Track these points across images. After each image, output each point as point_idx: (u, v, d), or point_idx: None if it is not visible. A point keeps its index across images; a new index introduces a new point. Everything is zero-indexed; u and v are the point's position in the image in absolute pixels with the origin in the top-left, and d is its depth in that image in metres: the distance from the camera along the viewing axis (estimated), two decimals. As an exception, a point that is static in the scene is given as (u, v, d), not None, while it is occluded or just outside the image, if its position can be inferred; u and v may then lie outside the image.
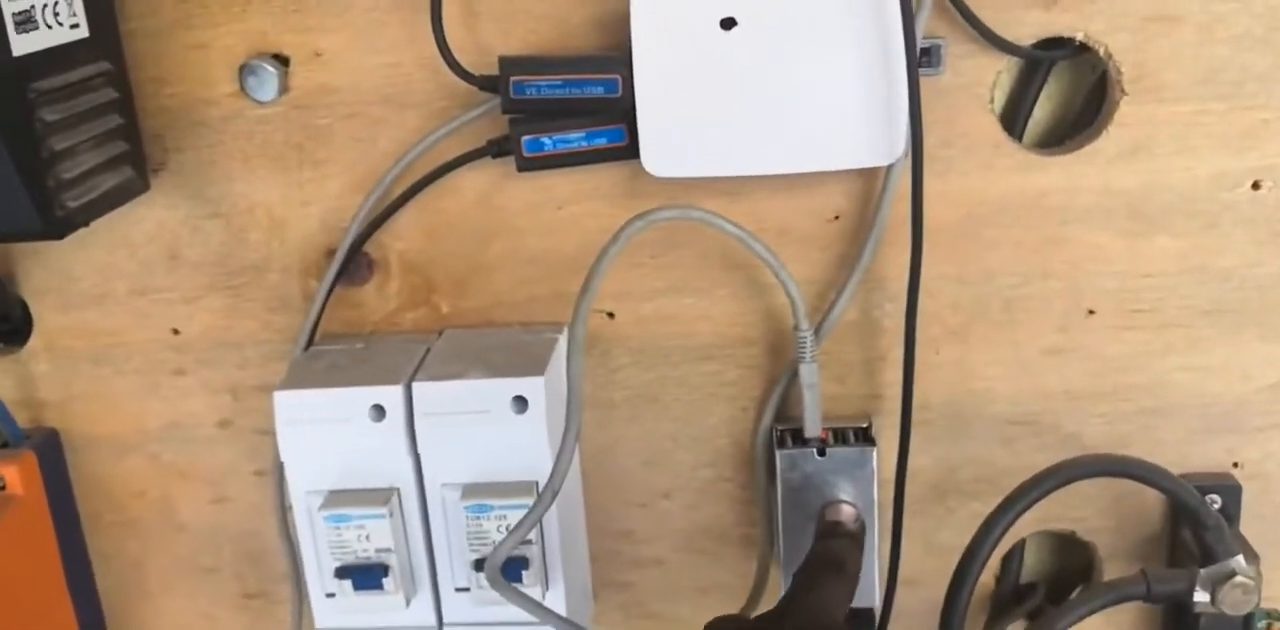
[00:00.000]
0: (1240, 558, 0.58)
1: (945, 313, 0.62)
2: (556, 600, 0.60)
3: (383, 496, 0.59)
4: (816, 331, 0.61)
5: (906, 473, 0.62)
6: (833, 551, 0.58)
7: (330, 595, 0.61)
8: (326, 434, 0.59)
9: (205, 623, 0.71)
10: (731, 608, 0.65)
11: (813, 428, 0.62)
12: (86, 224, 0.59)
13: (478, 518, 0.58)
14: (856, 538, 0.60)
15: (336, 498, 0.59)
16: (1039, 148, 0.61)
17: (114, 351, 0.66)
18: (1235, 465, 0.63)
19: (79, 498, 0.69)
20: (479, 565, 0.58)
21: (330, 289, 0.63)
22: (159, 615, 0.71)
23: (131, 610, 0.71)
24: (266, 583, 0.70)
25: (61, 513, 0.67)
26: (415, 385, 0.58)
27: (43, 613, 0.66)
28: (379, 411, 0.58)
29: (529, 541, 0.58)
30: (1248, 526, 0.63)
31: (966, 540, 0.57)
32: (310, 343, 0.64)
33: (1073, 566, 0.68)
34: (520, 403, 0.58)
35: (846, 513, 0.61)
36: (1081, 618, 0.59)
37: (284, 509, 0.66)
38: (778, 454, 0.62)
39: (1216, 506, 0.61)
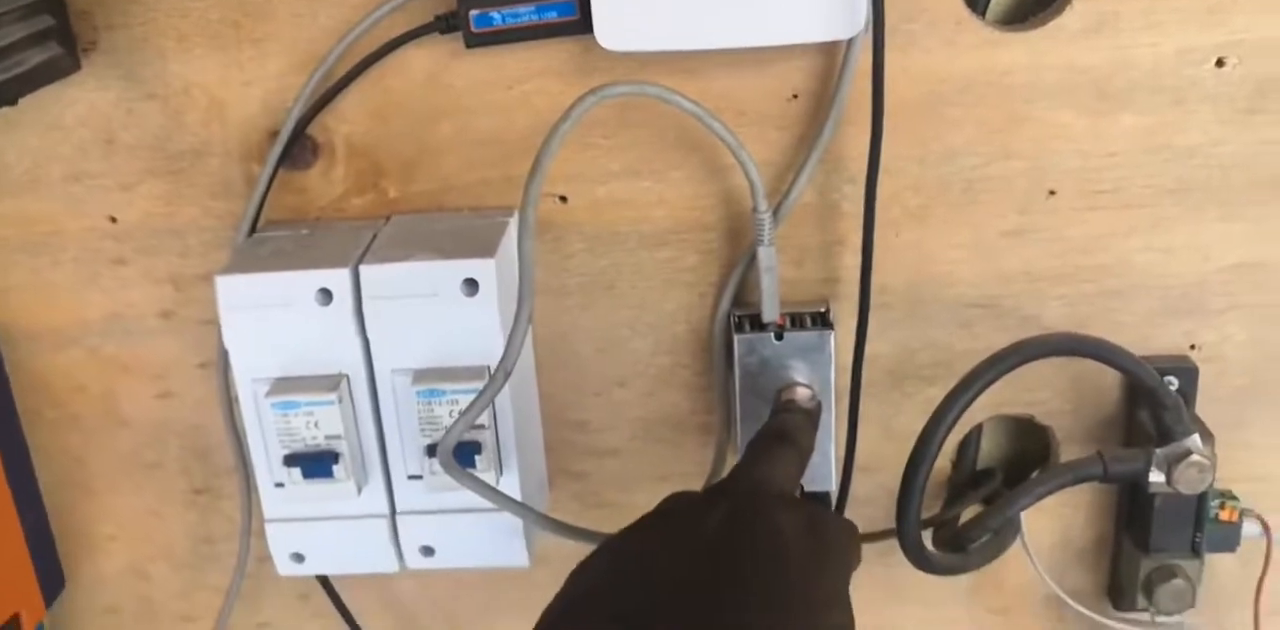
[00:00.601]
0: (1196, 437, 0.58)
1: (906, 194, 0.61)
2: (510, 486, 0.59)
3: (331, 383, 0.58)
4: (775, 214, 0.60)
5: (864, 357, 0.61)
6: (784, 425, 0.58)
7: (279, 485, 0.59)
8: (271, 320, 0.57)
9: (152, 519, 0.69)
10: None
11: (770, 312, 0.61)
12: (14, 102, 0.56)
13: (429, 403, 0.57)
14: (810, 414, 0.60)
15: (283, 385, 0.58)
16: (1002, 24, 0.60)
17: (50, 241, 0.64)
18: (1193, 348, 0.62)
19: (17, 393, 0.67)
20: (431, 451, 0.57)
21: (273, 173, 0.61)
22: (104, 512, 0.69)
23: (75, 508, 0.69)
24: (213, 478, 0.68)
25: None
26: (363, 268, 0.57)
27: (-16, 510, 0.64)
28: (326, 295, 0.57)
29: (482, 426, 0.57)
30: (1203, 409, 0.63)
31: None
32: (254, 229, 0.62)
33: (1030, 452, 0.68)
34: (471, 285, 0.56)
35: (801, 393, 0.60)
36: (1038, 498, 0.59)
37: (230, 402, 0.64)
38: (735, 339, 0.61)
39: (1174, 389, 0.61)
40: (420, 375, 0.57)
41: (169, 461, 0.68)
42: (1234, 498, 0.62)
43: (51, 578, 0.69)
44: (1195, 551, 0.62)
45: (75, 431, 0.67)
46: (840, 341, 0.61)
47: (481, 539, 0.61)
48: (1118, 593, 0.66)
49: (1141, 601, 0.63)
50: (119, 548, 0.70)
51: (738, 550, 0.47)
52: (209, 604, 0.70)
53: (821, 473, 0.62)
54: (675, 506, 0.51)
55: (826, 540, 0.50)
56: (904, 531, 0.57)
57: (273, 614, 0.71)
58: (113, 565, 0.70)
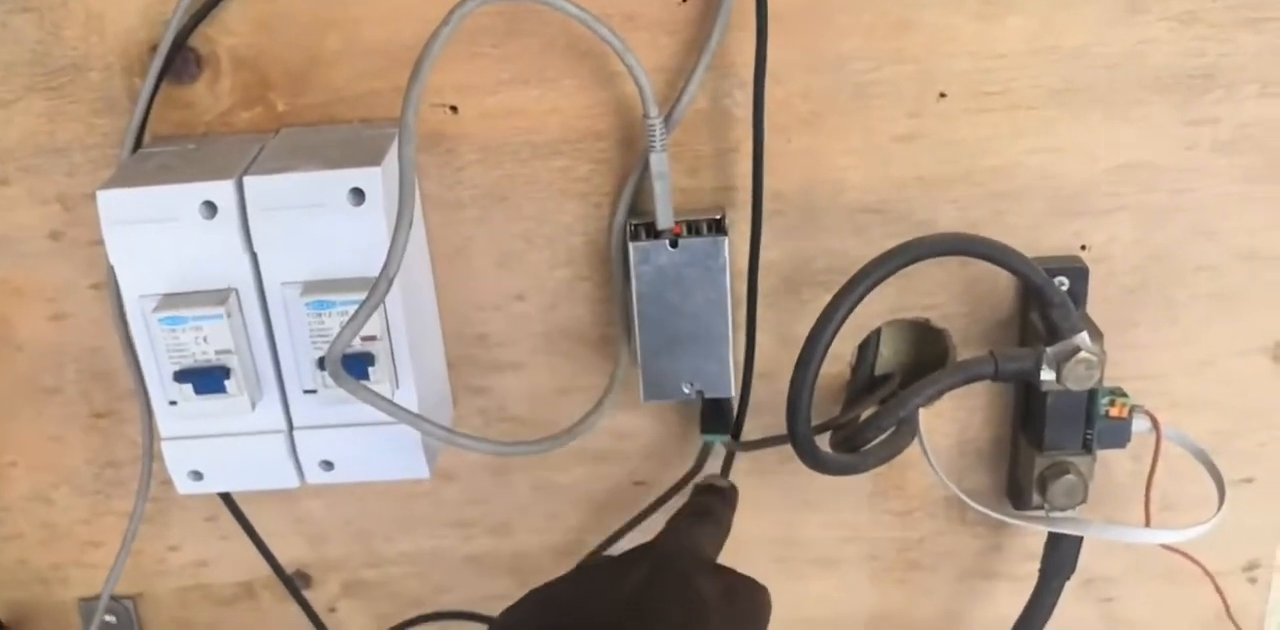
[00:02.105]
0: (1084, 335, 0.59)
1: (795, 100, 0.61)
2: (408, 399, 0.59)
3: (219, 297, 0.57)
4: (666, 120, 0.59)
5: (759, 264, 0.61)
6: (703, 503, 0.61)
7: (173, 403, 0.59)
8: (156, 234, 0.56)
9: (53, 445, 0.69)
10: (590, 406, 0.65)
11: (664, 219, 0.60)
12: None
13: (319, 315, 0.57)
14: (726, 495, 0.62)
15: (171, 300, 0.57)
16: (889, -75, 0.59)
17: (-71, 162, 0.63)
18: (1083, 248, 0.63)
19: (-93, 319, 0.66)
20: (323, 363, 0.57)
21: (155, 87, 0.60)
22: (4, 439, 0.68)
23: (-26, 435, 0.69)
24: (114, 401, 0.68)
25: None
26: (247, 179, 0.56)
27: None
28: (210, 208, 0.56)
29: (374, 337, 0.57)
30: (1094, 309, 0.64)
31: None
32: (138, 145, 0.61)
33: (929, 358, 0.68)
34: (357, 195, 0.56)
35: (717, 478, 0.64)
36: (932, 398, 0.60)
37: (125, 323, 0.63)
38: (630, 247, 0.61)
39: (1064, 289, 0.62)
40: (309, 287, 0.57)
41: (67, 385, 0.67)
42: (1124, 394, 0.63)
43: (-47, 506, 0.69)
44: (1087, 448, 0.63)
45: (-31, 357, 0.67)
46: (736, 249, 0.61)
47: (381, 452, 0.61)
48: (1015, 491, 0.67)
49: (1037, 498, 0.64)
50: (20, 474, 0.69)
51: (658, 605, 0.50)
52: (115, 528, 0.70)
53: (720, 380, 0.63)
54: (598, 562, 0.53)
55: (743, 607, 0.53)
56: (795, 430, 0.57)
57: (181, 537, 0.71)
58: (14, 492, 0.70)
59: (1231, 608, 0.69)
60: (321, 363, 0.57)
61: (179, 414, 0.59)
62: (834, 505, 0.70)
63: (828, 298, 0.63)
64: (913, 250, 0.57)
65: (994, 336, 0.65)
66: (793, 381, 0.56)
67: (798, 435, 0.57)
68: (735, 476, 0.67)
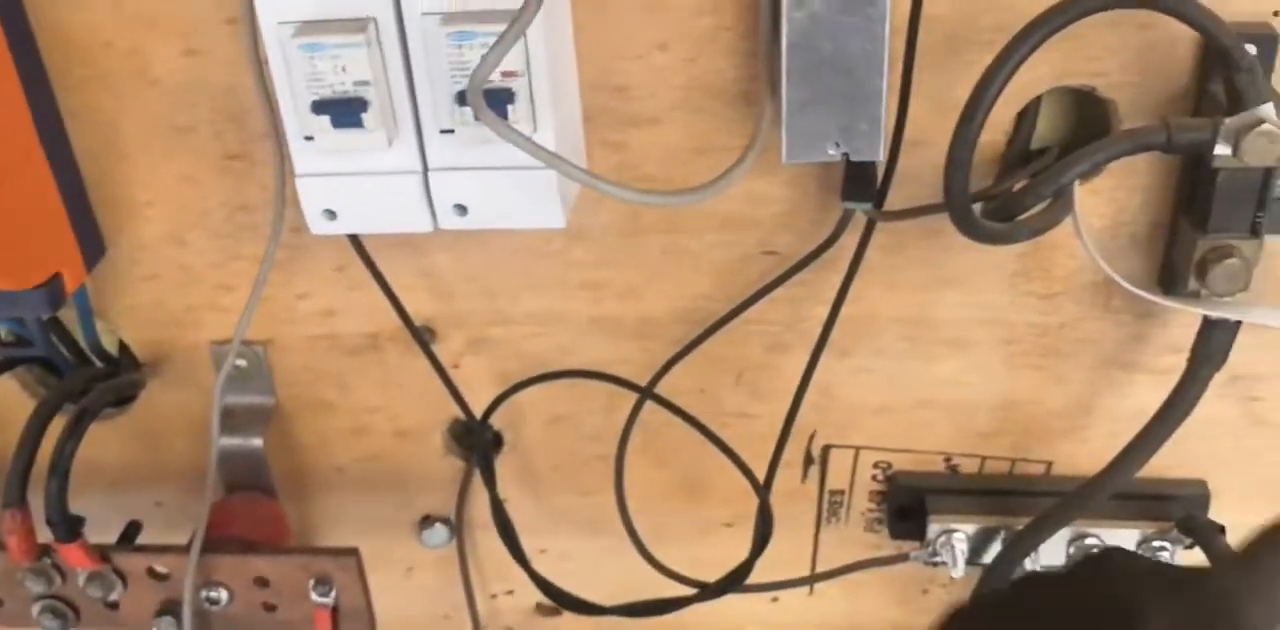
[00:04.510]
0: (1270, 106, 0.55)
1: None
2: (546, 141, 0.57)
3: (359, 25, 0.55)
4: None
5: (920, 18, 0.58)
6: None
7: (309, 138, 0.58)
8: (296, -40, 0.55)
9: (186, 184, 0.68)
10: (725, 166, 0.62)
11: (823, -37, 0.57)
12: None
13: (460, 47, 0.55)
14: None
15: (310, 27, 0.55)
16: None
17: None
18: (1276, 14, 0.58)
19: (43, 50, 0.65)
20: (462, 99, 0.55)
21: None
22: (138, 177, 0.68)
23: (110, 172, 0.68)
24: (248, 143, 0.67)
25: (26, 65, 0.63)
26: (388, -101, 0.53)
27: (19, 174, 0.64)
28: (351, -67, 0.54)
29: (514, 73, 0.55)
30: (1280, 82, 0.59)
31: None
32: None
33: (1089, 135, 0.64)
34: (503, -81, 0.53)
35: None
36: (1098, 166, 0.57)
37: (260, 62, 0.62)
38: (784, -7, 0.57)
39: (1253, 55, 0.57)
40: (451, 17, 0.54)
41: (201, 124, 0.66)
42: (1302, 176, 0.59)
43: (91, 243, 0.69)
44: (1255, 232, 0.59)
45: (105, 91, 0.66)
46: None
47: (516, 198, 0.59)
48: (1170, 278, 0.64)
49: (1194, 285, 0.61)
50: (156, 214, 0.70)
51: None
52: (247, 273, 0.70)
53: (870, 142, 0.60)
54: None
55: None
56: (951, 190, 0.55)
57: (310, 286, 0.71)
58: (151, 232, 0.70)
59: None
60: (461, 97, 0.55)
61: (315, 149, 0.58)
62: (974, 284, 0.67)
63: (991, 61, 0.59)
64: (1086, 2, 0.52)
65: (1164, 112, 0.61)
66: (955, 134, 0.53)
67: (955, 193, 0.54)
68: (871, 251, 0.65)
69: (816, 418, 0.73)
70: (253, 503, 0.75)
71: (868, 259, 0.66)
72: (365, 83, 0.56)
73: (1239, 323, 0.62)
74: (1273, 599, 0.48)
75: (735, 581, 0.73)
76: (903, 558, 0.74)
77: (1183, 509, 0.71)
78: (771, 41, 0.60)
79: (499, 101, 0.55)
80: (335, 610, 0.71)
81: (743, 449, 0.71)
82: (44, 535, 0.70)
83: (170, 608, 0.72)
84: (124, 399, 0.77)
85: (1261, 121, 0.55)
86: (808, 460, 0.75)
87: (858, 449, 0.74)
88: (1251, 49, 0.57)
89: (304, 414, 0.76)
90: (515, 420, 0.75)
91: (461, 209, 0.60)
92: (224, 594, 0.71)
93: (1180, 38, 0.58)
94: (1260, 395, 0.69)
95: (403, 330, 0.70)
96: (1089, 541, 0.71)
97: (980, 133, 0.53)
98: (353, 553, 0.70)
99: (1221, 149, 0.56)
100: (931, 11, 0.58)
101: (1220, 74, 0.56)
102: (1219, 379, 0.64)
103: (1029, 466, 0.74)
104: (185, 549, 0.70)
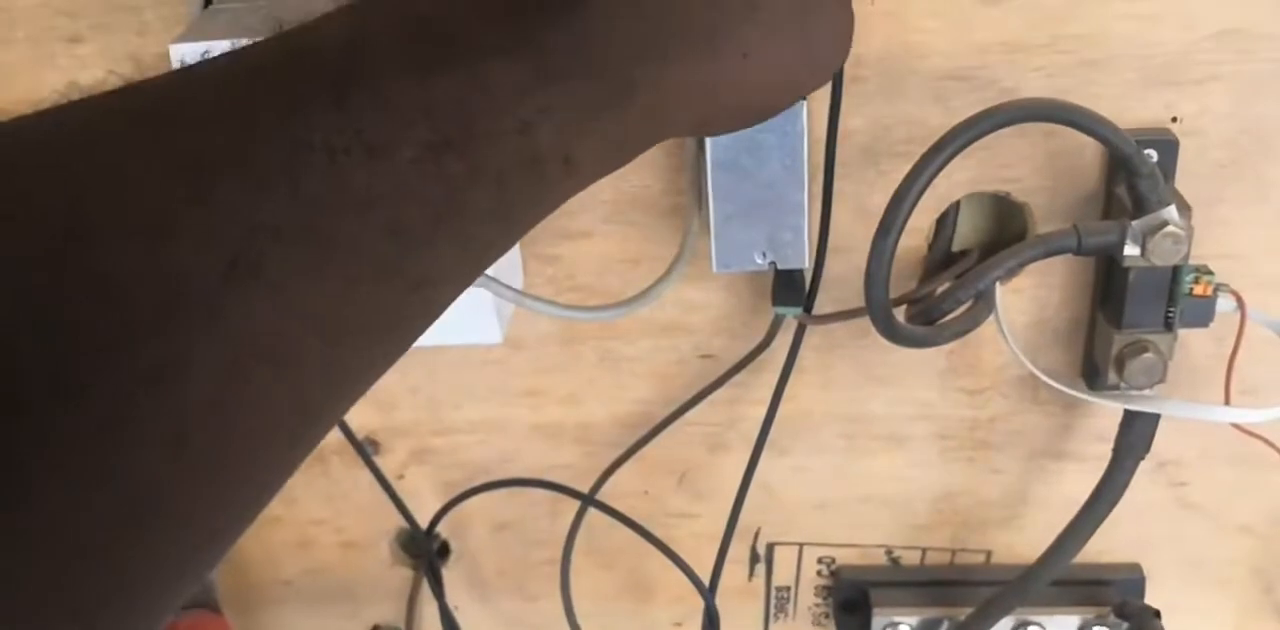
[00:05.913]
0: (1172, 208, 0.57)
1: (881, -40, 0.59)
2: (479, 262, 0.58)
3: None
4: (745, -19, 0.57)
5: (838, 133, 0.60)
6: None
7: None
8: (230, 91, 0.56)
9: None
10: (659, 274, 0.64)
11: (741, 84, 0.59)
12: None
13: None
14: None
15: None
16: None
17: None
18: (1174, 120, 0.61)
19: None
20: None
21: (227, -57, 0.59)
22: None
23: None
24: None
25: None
26: (319, 35, 0.55)
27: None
28: (283, 64, 0.55)
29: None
30: (1182, 183, 0.62)
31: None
32: (209, 1, 0.60)
33: (1007, 236, 0.67)
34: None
35: None
36: (1013, 271, 0.59)
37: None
38: (705, 113, 0.59)
39: (1153, 162, 0.60)
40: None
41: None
42: (1209, 272, 0.61)
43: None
44: (1168, 326, 0.62)
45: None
46: (814, 115, 0.60)
47: (453, 316, 0.59)
48: (1091, 371, 0.66)
49: (1113, 379, 0.63)
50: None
51: None
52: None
53: (795, 250, 0.62)
54: None
55: None
56: (872, 298, 0.56)
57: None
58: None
59: (1307, 493, 0.68)
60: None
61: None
62: (905, 382, 0.69)
63: (906, 169, 0.62)
64: (999, 115, 0.55)
65: (1076, 213, 0.64)
66: (873, 247, 0.55)
67: (875, 303, 0.56)
68: (804, 351, 0.67)
69: (760, 515, 0.74)
70: (199, 623, 0.75)
71: (801, 359, 0.67)
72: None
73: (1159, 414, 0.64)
74: None
75: (686, 682, 0.74)
76: (850, 652, 0.75)
77: (1120, 593, 0.73)
78: (697, 159, 0.62)
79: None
80: (286, 728, 0.71)
81: (688, 548, 0.71)
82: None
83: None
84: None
85: (1165, 223, 0.57)
86: (754, 558, 0.76)
87: (801, 545, 0.75)
88: (1153, 155, 0.60)
89: (249, 528, 0.76)
90: (461, 528, 0.76)
91: (400, 327, 0.61)
92: (172, 715, 0.71)
93: (1086, 144, 0.61)
94: (1186, 480, 0.71)
95: (347, 443, 0.71)
96: (1031, 629, 0.72)
97: (895, 248, 0.55)
98: (302, 669, 0.70)
99: (1130, 250, 0.58)
100: (848, 125, 0.61)
101: (1124, 179, 0.59)
102: (1146, 465, 0.66)
103: (969, 556, 0.75)
104: (132, 671, 0.70)
